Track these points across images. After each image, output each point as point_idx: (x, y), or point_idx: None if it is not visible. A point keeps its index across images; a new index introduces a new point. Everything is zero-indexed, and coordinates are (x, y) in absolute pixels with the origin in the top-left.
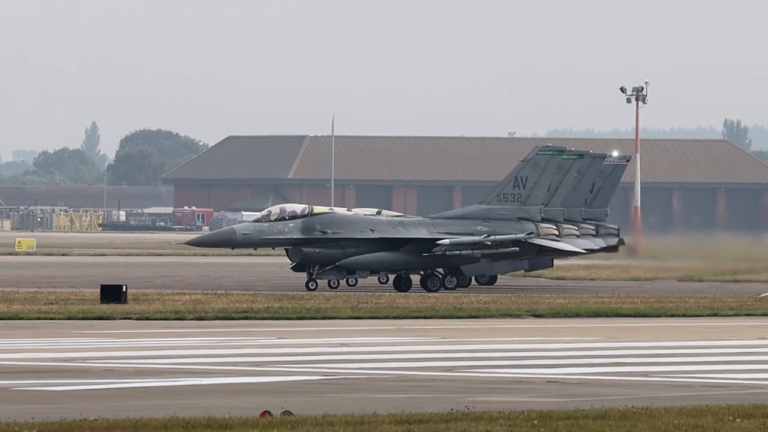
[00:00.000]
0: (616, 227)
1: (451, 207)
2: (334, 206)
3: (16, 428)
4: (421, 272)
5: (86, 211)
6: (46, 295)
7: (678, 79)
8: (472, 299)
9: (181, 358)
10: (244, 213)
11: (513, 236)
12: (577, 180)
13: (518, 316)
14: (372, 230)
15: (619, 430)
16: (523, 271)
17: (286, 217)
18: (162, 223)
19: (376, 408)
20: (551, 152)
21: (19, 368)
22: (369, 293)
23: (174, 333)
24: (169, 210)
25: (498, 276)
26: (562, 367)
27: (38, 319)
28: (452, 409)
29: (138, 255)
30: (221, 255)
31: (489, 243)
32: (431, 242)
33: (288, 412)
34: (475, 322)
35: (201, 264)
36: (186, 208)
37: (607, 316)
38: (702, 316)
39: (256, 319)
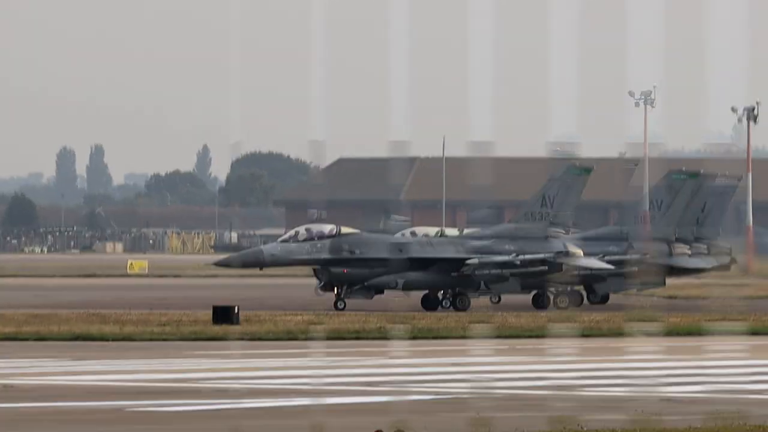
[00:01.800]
0: (728, 246)
1: None
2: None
3: None
4: (536, 291)
5: (198, 233)
6: (159, 316)
7: None
8: (584, 318)
9: (294, 378)
10: None
11: (541, 256)
12: (688, 199)
13: (630, 335)
14: (400, 250)
15: None
16: (635, 290)
17: (315, 238)
18: None
19: (490, 427)
20: (579, 171)
21: (132, 389)
22: (481, 313)
23: (286, 354)
24: (282, 231)
25: (610, 294)
26: (675, 385)
27: (151, 340)
28: (564, 428)
29: (250, 276)
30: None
31: (518, 263)
32: (459, 261)
33: (401, 431)
34: (587, 341)
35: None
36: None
37: (722, 334)
38: None
39: (367, 339)
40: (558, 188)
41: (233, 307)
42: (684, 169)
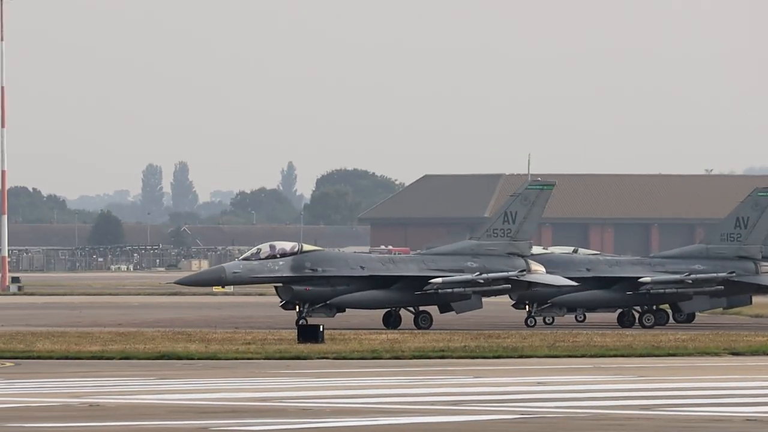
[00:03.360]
0: None
1: (648, 245)
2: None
3: None
4: (622, 310)
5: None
6: (244, 335)
7: None
8: (669, 337)
9: (378, 397)
10: None
11: (505, 274)
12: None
13: (716, 354)
14: (362, 267)
15: None
16: (721, 308)
17: (277, 255)
18: None
19: None
20: (540, 187)
21: (217, 408)
22: (566, 331)
23: (371, 372)
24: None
25: (696, 314)
26: (761, 405)
27: (235, 359)
28: None
29: None
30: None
31: (481, 281)
32: (423, 279)
33: None
34: (672, 360)
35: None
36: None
37: None
38: None
39: (452, 357)
40: (520, 204)
41: (318, 326)
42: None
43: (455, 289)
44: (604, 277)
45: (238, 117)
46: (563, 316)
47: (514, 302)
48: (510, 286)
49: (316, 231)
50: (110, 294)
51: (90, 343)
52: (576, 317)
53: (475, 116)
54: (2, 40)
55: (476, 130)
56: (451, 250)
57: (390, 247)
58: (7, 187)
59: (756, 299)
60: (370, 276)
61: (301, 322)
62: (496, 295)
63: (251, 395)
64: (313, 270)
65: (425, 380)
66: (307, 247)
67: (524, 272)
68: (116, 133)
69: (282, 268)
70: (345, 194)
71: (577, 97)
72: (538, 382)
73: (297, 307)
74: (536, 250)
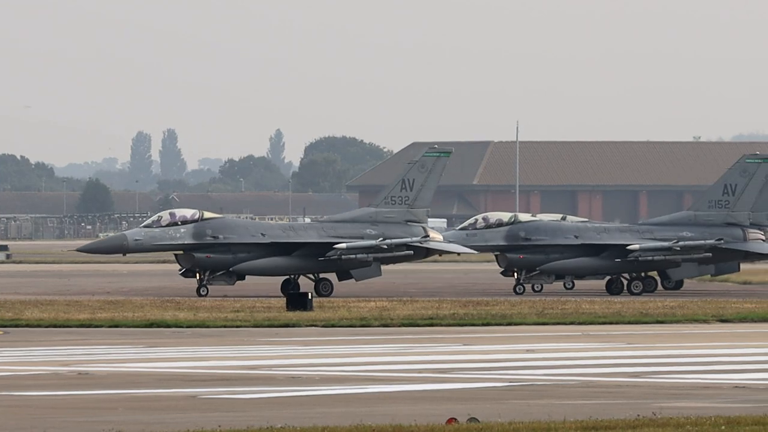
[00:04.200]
0: None
1: (636, 212)
2: (519, 212)
3: None
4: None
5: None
6: (232, 303)
7: None
8: (658, 304)
9: (367, 365)
10: (429, 219)
11: (408, 240)
12: (763, 184)
13: (705, 321)
14: (263, 235)
15: None
16: (709, 275)
17: (178, 222)
18: None
19: (563, 414)
20: (437, 154)
21: (206, 376)
22: (554, 299)
23: (359, 340)
24: None
25: (684, 281)
26: (749, 372)
27: (224, 327)
28: (639, 415)
29: None
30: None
31: (384, 247)
32: (324, 246)
33: (474, 419)
34: (661, 328)
35: (387, 270)
36: None
37: None
38: None
39: (441, 325)
40: (417, 172)
41: (307, 294)
42: (758, 152)
43: (358, 255)
44: (593, 244)
45: (227, 85)
46: (552, 283)
47: (502, 270)
48: (412, 252)
49: (304, 198)
50: (98, 262)
51: (78, 311)
52: (564, 284)
53: (464, 84)
54: None
55: (464, 97)
56: (350, 218)
57: None
58: None
59: (744, 266)
60: (271, 243)
61: (201, 291)
62: (395, 263)
63: (240, 363)
64: (214, 237)
65: (414, 348)
66: (207, 214)
67: (427, 238)
68: (105, 100)
69: (183, 235)
70: (333, 162)
71: (566, 64)
72: (527, 350)
73: (197, 275)
74: (525, 217)
